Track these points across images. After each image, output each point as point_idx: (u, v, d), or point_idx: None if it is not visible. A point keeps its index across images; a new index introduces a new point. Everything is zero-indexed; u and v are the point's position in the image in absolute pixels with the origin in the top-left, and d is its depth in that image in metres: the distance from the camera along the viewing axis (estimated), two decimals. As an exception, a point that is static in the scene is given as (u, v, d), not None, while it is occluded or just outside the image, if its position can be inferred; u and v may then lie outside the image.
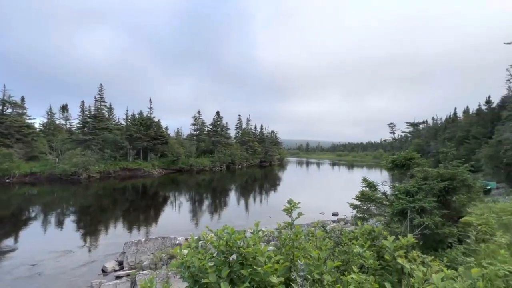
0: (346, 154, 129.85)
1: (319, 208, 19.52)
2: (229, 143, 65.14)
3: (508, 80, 28.76)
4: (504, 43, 27.05)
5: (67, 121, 55.78)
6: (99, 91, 47.74)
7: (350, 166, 79.18)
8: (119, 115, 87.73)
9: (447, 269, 2.66)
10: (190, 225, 16.80)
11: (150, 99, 52.37)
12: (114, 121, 52.30)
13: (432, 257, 3.34)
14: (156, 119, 52.24)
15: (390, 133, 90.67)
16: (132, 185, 33.91)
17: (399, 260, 2.86)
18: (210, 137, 61.35)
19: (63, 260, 10.72)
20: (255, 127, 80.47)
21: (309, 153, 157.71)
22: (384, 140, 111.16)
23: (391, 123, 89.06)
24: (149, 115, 51.58)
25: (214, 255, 2.35)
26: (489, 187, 21.38)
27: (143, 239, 10.08)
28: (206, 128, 63.77)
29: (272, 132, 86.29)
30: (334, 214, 18.54)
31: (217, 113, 65.07)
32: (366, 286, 2.50)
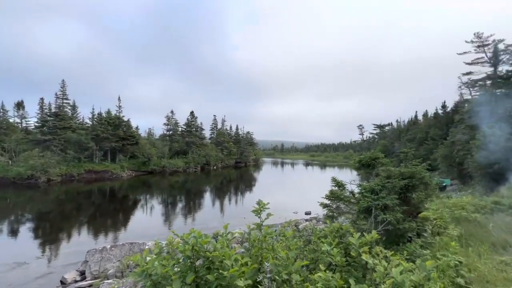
0: (319, 155, 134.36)
1: (293, 208, 19.90)
2: (204, 143, 63.99)
3: (460, 87, 31.87)
4: (457, 54, 29.92)
5: (23, 120, 50.75)
6: (61, 87, 44.20)
7: (323, 166, 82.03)
8: (85, 114, 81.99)
9: (406, 262, 2.84)
10: (162, 229, 16.17)
11: (119, 97, 49.64)
12: (78, 120, 48.72)
13: (393, 251, 3.55)
14: (125, 118, 49.66)
15: (359, 134, 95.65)
16: (99, 188, 31.81)
17: (363, 256, 2.99)
18: (184, 138, 59.73)
19: (15, 273, 9.69)
20: (231, 127, 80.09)
21: (284, 153, 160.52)
22: (354, 141, 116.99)
23: (360, 125, 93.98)
24: (118, 114, 48.84)
25: (180, 260, 2.26)
26: (444, 184, 23.40)
27: (109, 246, 9.47)
28: (180, 128, 61.99)
29: (248, 132, 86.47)
30: (307, 213, 19.03)
31: (192, 113, 63.62)
32: (332, 283, 2.58)
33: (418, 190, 6.11)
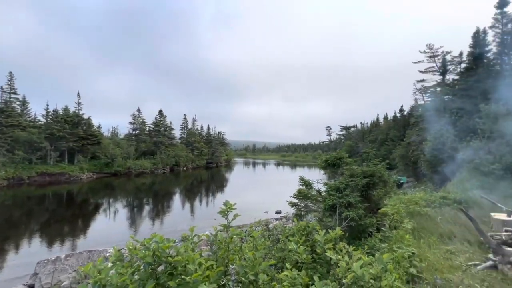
0: (290, 155, 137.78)
1: (264, 207, 20.10)
2: (174, 143, 61.74)
3: (414, 93, 34.97)
4: (413, 62, 32.79)
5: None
6: (8, 80, 39.45)
7: (293, 166, 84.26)
8: (37, 111, 74.09)
9: (367, 256, 3.01)
10: (126, 234, 15.23)
11: (78, 93, 45.78)
12: (29, 117, 43.86)
13: (355, 246, 3.75)
14: (85, 116, 45.94)
15: (327, 135, 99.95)
16: (54, 192, 28.97)
17: (328, 253, 3.11)
18: (151, 137, 57.03)
19: None
20: (202, 127, 78.39)
21: (255, 154, 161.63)
22: (322, 142, 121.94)
23: (328, 126, 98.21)
24: (77, 111, 45.01)
25: (141, 268, 2.13)
26: (401, 182, 25.49)
27: (63, 256, 8.65)
28: (147, 128, 59.08)
29: (219, 133, 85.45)
30: (277, 212, 19.36)
31: (160, 111, 61.03)
32: (298, 281, 2.63)
33: (378, 187, 6.55)
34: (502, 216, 7.39)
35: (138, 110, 57.43)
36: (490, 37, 23.75)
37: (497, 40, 22.90)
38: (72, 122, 42.63)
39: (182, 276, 1.92)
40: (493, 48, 23.45)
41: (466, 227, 7.15)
